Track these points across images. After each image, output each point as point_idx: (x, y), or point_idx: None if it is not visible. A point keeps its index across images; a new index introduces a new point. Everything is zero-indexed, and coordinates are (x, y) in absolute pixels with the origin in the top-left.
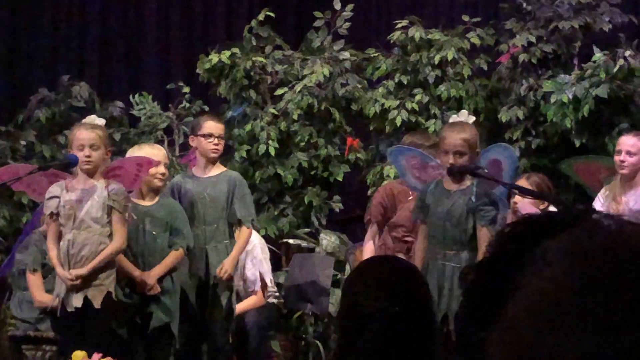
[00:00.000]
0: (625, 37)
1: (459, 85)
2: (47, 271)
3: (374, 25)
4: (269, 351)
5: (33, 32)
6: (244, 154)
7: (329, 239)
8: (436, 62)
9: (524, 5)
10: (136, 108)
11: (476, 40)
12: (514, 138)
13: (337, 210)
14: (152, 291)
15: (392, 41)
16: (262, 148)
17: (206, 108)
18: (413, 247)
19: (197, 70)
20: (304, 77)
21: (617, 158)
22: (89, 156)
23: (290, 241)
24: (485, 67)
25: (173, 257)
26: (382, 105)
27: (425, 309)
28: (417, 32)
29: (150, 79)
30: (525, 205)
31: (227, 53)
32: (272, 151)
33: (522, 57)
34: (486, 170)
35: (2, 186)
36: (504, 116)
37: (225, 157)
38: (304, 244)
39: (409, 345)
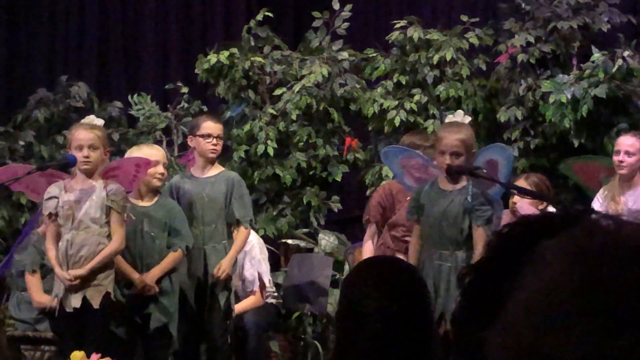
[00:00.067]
0: (624, 37)
1: (458, 85)
2: (45, 272)
3: (372, 26)
4: (268, 351)
5: (31, 33)
6: (243, 154)
7: (327, 239)
8: (435, 62)
9: (523, 5)
10: (135, 108)
11: (475, 41)
12: (513, 138)
13: (336, 210)
14: (151, 292)
15: (390, 41)
16: (260, 148)
17: (205, 108)
18: None
19: (196, 71)
20: (302, 77)
21: (615, 158)
22: (87, 156)
23: (289, 241)
24: (484, 67)
25: (172, 258)
26: (381, 105)
27: (423, 308)
28: (415, 32)
29: (148, 79)
30: (524, 206)
31: (226, 53)
32: (270, 151)
33: (521, 57)
34: (485, 171)
35: (0, 186)
36: (502, 116)
37: (224, 157)
38: (302, 244)
39: (407, 344)
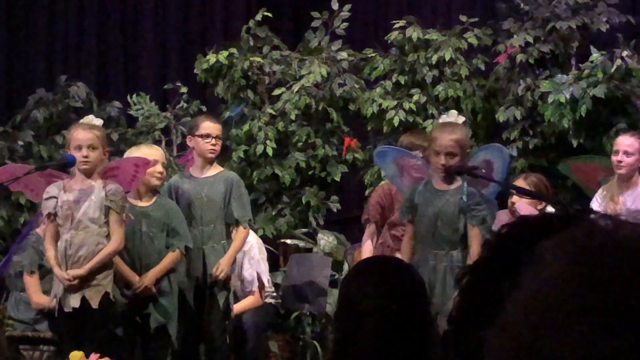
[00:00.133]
0: (623, 37)
1: (457, 85)
2: (44, 272)
3: (371, 26)
4: (267, 351)
5: (31, 33)
6: (242, 154)
7: (326, 239)
8: (434, 62)
9: (522, 5)
10: (134, 108)
11: (474, 41)
12: (512, 138)
13: (335, 210)
14: (150, 292)
15: (389, 41)
16: (259, 148)
17: (204, 108)
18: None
19: (195, 71)
20: (301, 77)
21: (614, 158)
22: (86, 156)
23: (288, 241)
24: (482, 67)
25: (170, 258)
26: (380, 105)
27: (422, 307)
28: (414, 32)
29: (147, 79)
30: (523, 206)
31: (225, 53)
32: (269, 151)
33: (520, 57)
34: (483, 171)
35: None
36: (501, 116)
37: (223, 157)
38: (301, 244)
39: (406, 343)
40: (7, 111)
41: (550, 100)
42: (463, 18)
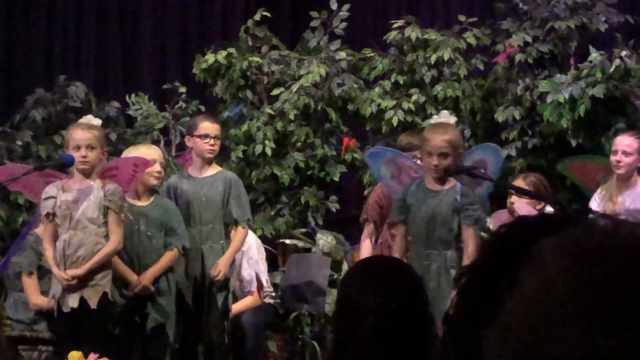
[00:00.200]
0: (622, 37)
1: (456, 85)
2: (43, 273)
3: (370, 25)
4: (265, 351)
5: (29, 32)
6: (241, 154)
7: (325, 239)
8: (432, 62)
9: (520, 5)
10: (132, 108)
11: (472, 40)
12: (511, 138)
13: (334, 210)
14: (147, 292)
15: (388, 41)
16: (258, 148)
17: (202, 108)
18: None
19: (194, 70)
20: (300, 77)
21: (613, 158)
22: (85, 156)
23: (287, 241)
24: (481, 67)
25: (168, 257)
26: (379, 105)
27: (421, 306)
28: (413, 32)
29: (146, 79)
30: (522, 206)
31: (224, 53)
32: (268, 151)
33: (519, 57)
34: (482, 171)
35: None
36: (500, 116)
37: (222, 157)
38: (300, 244)
39: (404, 342)
40: (6, 111)
41: (549, 100)
42: (462, 18)
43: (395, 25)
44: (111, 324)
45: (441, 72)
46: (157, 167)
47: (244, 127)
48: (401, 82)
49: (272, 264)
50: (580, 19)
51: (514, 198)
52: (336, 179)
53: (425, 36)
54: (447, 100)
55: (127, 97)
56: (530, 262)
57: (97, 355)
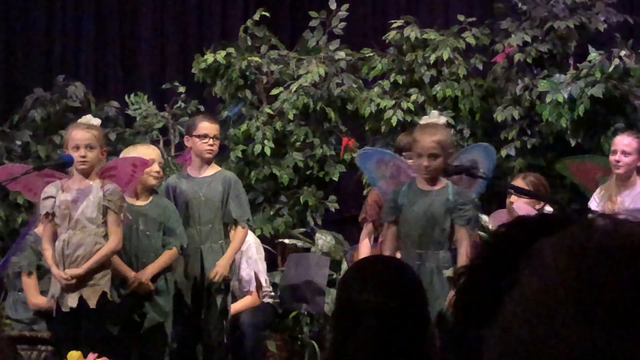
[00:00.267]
0: (621, 36)
1: (455, 85)
2: (42, 273)
3: (369, 25)
4: (264, 351)
5: (28, 32)
6: (240, 154)
7: (324, 239)
8: (431, 62)
9: (520, 4)
10: (132, 108)
11: (471, 40)
12: (510, 138)
13: (333, 210)
14: (146, 289)
15: (387, 41)
16: (257, 148)
17: (202, 108)
18: None
19: (193, 70)
20: (299, 77)
21: (612, 158)
22: (84, 156)
23: (286, 241)
24: (480, 67)
25: (166, 256)
26: (378, 105)
27: (420, 306)
28: (412, 32)
29: (145, 78)
30: (521, 205)
31: (223, 53)
32: (267, 151)
33: (518, 56)
34: (482, 171)
35: None
36: (499, 116)
37: (221, 157)
38: (299, 243)
39: (403, 342)
40: (5, 111)
41: (548, 99)
42: (461, 17)
43: (394, 25)
44: (110, 323)
45: (440, 72)
46: (155, 167)
47: (243, 127)
48: (400, 82)
49: (271, 264)
50: (580, 19)
51: (513, 198)
52: (335, 178)
53: (425, 36)
54: (446, 100)
55: (126, 97)
56: (529, 262)
57: (96, 354)
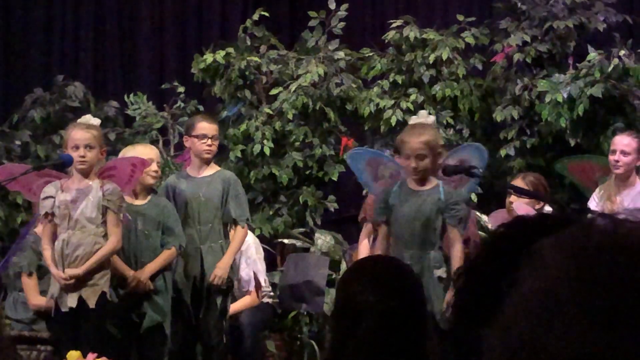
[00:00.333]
0: (620, 36)
1: (454, 84)
2: (42, 273)
3: (368, 25)
4: (264, 351)
5: (28, 32)
6: (239, 154)
7: (324, 239)
8: (431, 62)
9: (519, 4)
10: (131, 108)
11: (471, 40)
12: (509, 137)
13: (332, 210)
14: (145, 288)
15: (386, 41)
16: (257, 148)
17: (201, 108)
18: None
19: (192, 70)
20: (298, 76)
21: (611, 158)
22: (83, 156)
23: (285, 241)
24: (480, 67)
25: (165, 255)
26: (377, 104)
27: (419, 305)
28: (411, 32)
29: (145, 78)
30: (521, 205)
31: (222, 53)
32: (267, 151)
33: (517, 56)
34: (481, 170)
35: None
36: (498, 116)
37: (220, 157)
38: (298, 243)
39: (402, 341)
40: (5, 111)
41: (547, 99)
42: (460, 17)
43: (393, 25)
44: (109, 323)
45: (439, 72)
46: (154, 167)
47: (243, 127)
48: (399, 82)
49: (271, 264)
50: (579, 19)
51: (512, 198)
52: (334, 178)
53: (424, 36)
54: (446, 99)
55: (125, 96)
56: (529, 262)
57: (95, 354)
